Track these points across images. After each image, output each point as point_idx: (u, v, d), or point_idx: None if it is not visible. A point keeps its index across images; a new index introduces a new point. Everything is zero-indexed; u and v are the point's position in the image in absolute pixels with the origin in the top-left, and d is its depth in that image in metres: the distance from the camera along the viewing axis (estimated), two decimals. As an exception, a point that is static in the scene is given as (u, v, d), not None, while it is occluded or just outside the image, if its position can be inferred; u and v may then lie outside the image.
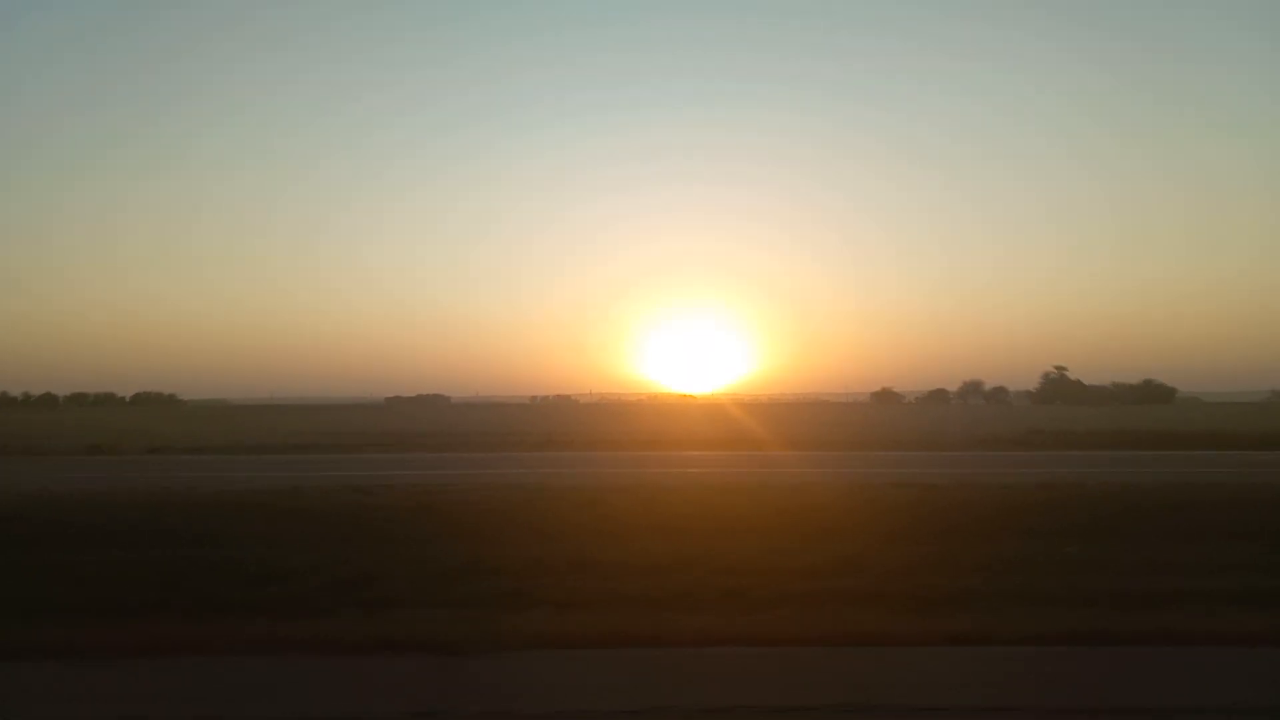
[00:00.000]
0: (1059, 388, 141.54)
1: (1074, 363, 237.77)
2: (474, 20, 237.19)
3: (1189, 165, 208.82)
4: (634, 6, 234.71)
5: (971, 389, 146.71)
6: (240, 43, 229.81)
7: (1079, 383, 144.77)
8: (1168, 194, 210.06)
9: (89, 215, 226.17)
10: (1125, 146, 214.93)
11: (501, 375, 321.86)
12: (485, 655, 6.76)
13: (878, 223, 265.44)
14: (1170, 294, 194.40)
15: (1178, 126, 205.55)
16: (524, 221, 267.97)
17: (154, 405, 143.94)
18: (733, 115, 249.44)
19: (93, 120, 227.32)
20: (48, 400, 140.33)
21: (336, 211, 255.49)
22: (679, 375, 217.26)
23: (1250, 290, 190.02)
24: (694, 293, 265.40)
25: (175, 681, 6.36)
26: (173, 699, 6.04)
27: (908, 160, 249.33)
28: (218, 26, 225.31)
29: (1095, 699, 5.85)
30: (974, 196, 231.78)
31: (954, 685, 6.12)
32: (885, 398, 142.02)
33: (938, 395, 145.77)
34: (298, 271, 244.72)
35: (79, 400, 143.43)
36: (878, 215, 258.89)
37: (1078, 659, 6.59)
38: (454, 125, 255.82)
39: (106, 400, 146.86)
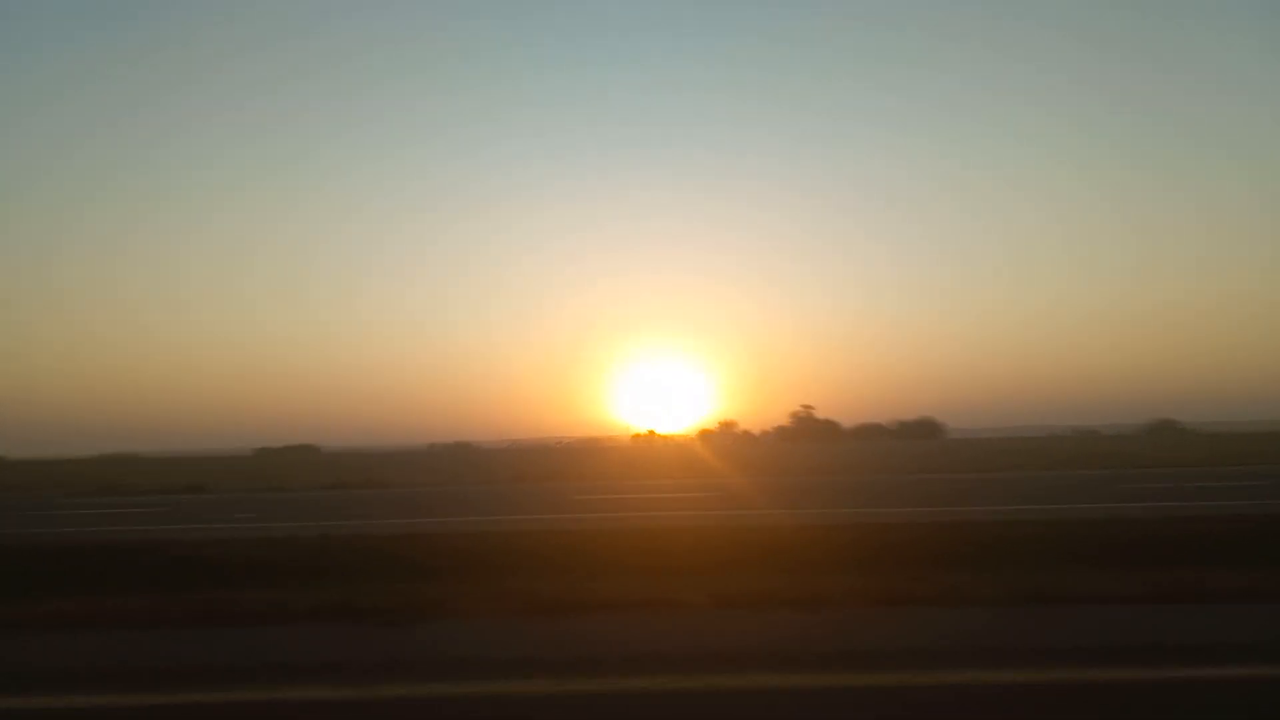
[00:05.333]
0: (807, 426, 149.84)
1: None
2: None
3: (965, 204, 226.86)
4: (585, 50, 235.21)
5: (726, 429, 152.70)
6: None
7: (828, 421, 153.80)
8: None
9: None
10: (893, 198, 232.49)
11: (389, 422, 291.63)
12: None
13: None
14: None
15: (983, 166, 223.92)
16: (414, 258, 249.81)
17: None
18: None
19: None
20: None
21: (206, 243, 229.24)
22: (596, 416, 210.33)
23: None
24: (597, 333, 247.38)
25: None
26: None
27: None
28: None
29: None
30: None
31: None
32: (646, 439, 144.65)
33: (703, 435, 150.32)
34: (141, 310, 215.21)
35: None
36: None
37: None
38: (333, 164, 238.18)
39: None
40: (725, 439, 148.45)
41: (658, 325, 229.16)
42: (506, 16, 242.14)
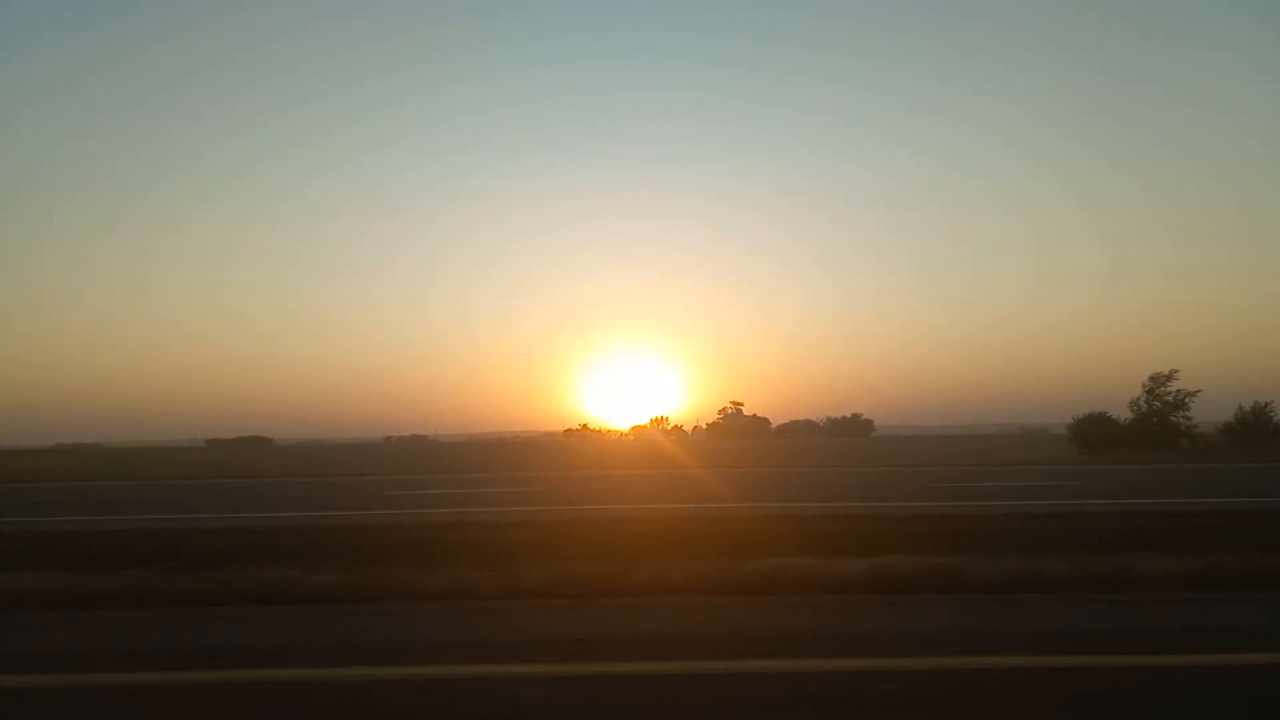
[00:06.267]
0: (735, 422, 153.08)
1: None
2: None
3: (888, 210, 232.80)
4: (551, 55, 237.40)
5: (658, 424, 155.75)
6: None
7: (756, 417, 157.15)
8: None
9: None
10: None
11: (343, 415, 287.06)
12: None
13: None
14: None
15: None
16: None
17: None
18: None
19: None
20: None
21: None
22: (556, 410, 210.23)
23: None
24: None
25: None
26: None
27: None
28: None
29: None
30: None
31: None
32: (578, 433, 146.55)
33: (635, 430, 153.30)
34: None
35: None
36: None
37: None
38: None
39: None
40: (656, 434, 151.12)
41: (608, 324, 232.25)
42: (483, 21, 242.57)
